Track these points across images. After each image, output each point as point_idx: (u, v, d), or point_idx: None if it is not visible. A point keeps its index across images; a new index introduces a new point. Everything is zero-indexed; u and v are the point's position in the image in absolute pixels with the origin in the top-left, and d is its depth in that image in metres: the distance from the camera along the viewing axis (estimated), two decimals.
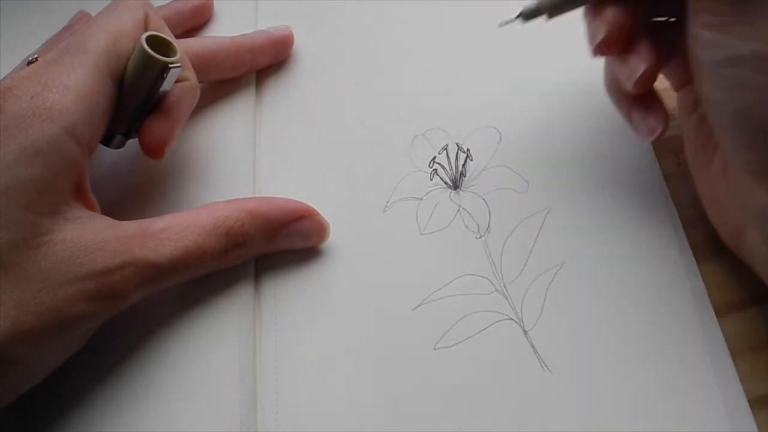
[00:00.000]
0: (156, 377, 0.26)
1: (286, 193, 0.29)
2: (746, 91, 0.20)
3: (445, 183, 0.30)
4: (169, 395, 0.25)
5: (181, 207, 0.29)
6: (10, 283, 0.22)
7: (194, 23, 0.35)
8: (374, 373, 0.26)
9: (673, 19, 0.25)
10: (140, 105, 0.27)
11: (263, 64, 0.34)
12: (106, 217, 0.25)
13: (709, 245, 0.28)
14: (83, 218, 0.24)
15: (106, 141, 0.27)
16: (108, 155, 0.30)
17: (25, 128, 0.23)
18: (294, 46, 0.34)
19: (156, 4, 0.30)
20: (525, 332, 0.26)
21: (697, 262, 0.27)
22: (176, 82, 0.28)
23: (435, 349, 0.26)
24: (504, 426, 0.24)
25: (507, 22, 0.25)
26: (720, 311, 0.26)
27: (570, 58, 0.33)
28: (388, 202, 0.30)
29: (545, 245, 0.28)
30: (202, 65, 0.30)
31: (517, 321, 0.26)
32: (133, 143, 0.28)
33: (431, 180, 0.30)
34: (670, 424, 0.24)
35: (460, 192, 0.30)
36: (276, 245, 0.28)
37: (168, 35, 0.27)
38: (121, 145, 0.28)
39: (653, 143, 0.30)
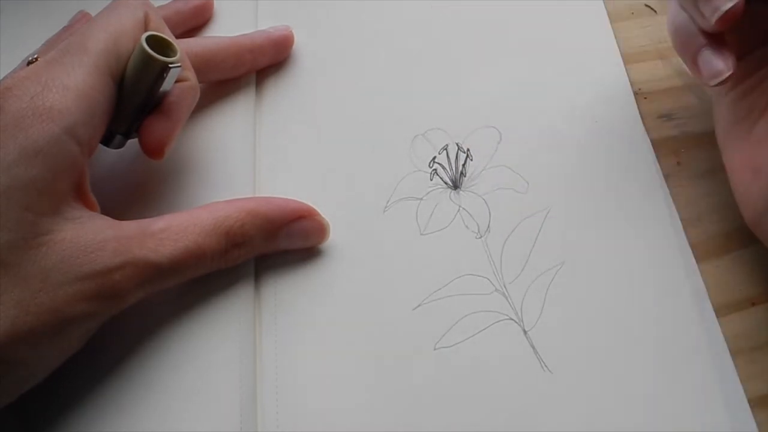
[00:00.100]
0: (156, 377, 0.26)
1: (286, 193, 0.29)
2: None
3: (445, 183, 0.30)
4: (169, 395, 0.25)
5: (181, 207, 0.29)
6: (10, 283, 0.22)
7: (194, 23, 0.35)
8: (374, 373, 0.26)
9: None
10: (140, 105, 0.27)
11: (263, 64, 0.33)
12: (106, 217, 0.25)
13: (709, 245, 0.28)
14: (83, 218, 0.24)
15: (106, 141, 0.27)
16: (108, 155, 0.30)
17: (25, 128, 0.23)
18: (294, 46, 0.34)
19: (156, 4, 0.30)
20: (525, 332, 0.26)
21: (697, 262, 0.27)
22: (176, 82, 0.28)
23: (435, 349, 0.26)
24: (504, 426, 0.24)
25: None
26: (720, 311, 0.26)
27: (570, 58, 0.33)
28: (388, 202, 0.30)
29: (545, 245, 0.28)
30: (202, 65, 0.30)
31: (517, 321, 0.26)
32: (133, 143, 0.28)
33: (431, 180, 0.30)
34: (670, 424, 0.24)
35: (460, 192, 0.30)
36: (276, 245, 0.28)
37: (168, 35, 0.27)
38: (121, 145, 0.28)
39: (655, 143, 0.30)
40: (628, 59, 0.33)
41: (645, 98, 0.31)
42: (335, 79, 0.33)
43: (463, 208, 0.29)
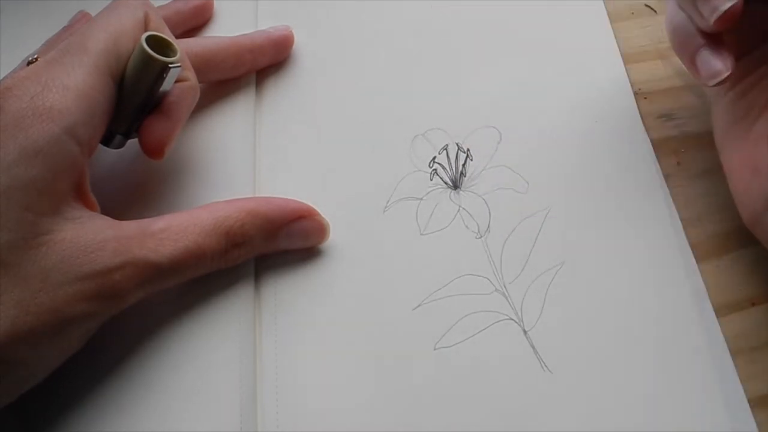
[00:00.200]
0: (156, 377, 0.26)
1: (286, 193, 0.29)
2: None
3: (445, 183, 0.30)
4: (169, 395, 0.25)
5: (181, 207, 0.29)
6: (10, 283, 0.22)
7: (194, 23, 0.35)
8: (374, 373, 0.26)
9: None
10: (140, 105, 0.27)
11: (263, 64, 0.33)
12: (106, 217, 0.25)
13: (709, 245, 0.28)
14: (83, 218, 0.24)
15: (106, 141, 0.27)
16: (108, 155, 0.30)
17: (25, 128, 0.23)
18: (294, 46, 0.34)
19: (156, 4, 0.30)
20: (525, 332, 0.26)
21: (697, 262, 0.27)
22: (176, 82, 0.28)
23: (435, 349, 0.26)
24: (504, 426, 0.24)
25: None
26: (720, 311, 0.26)
27: (570, 58, 0.33)
28: (388, 202, 0.30)
29: (545, 245, 0.28)
30: (202, 65, 0.30)
31: (517, 321, 0.26)
32: (133, 143, 0.28)
33: (431, 180, 0.30)
34: (670, 424, 0.24)
35: (460, 192, 0.30)
36: (276, 245, 0.28)
37: (168, 35, 0.27)
38: (121, 145, 0.28)
39: (655, 143, 0.30)
40: (628, 59, 0.33)
41: (645, 98, 0.31)
42: (335, 79, 0.33)
43: (463, 208, 0.29)
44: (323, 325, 0.27)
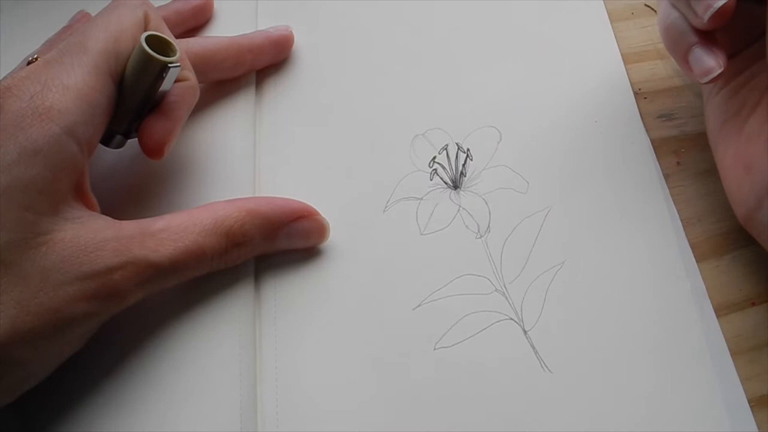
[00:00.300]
0: (156, 377, 0.26)
1: (286, 193, 0.29)
2: None
3: (445, 183, 0.30)
4: (169, 395, 0.25)
5: (181, 207, 0.29)
6: (10, 283, 0.22)
7: (194, 23, 0.35)
8: (374, 373, 0.26)
9: None
10: (140, 105, 0.27)
11: (263, 64, 0.33)
12: (106, 217, 0.25)
13: (709, 245, 0.28)
14: (83, 218, 0.24)
15: (106, 141, 0.27)
16: (108, 155, 0.30)
17: (24, 128, 0.23)
18: (294, 46, 0.34)
19: (156, 4, 0.30)
20: (525, 332, 0.26)
21: (697, 262, 0.27)
22: (176, 82, 0.28)
23: (435, 349, 0.26)
24: (504, 426, 0.24)
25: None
26: (720, 311, 0.26)
27: (570, 58, 0.33)
28: (388, 202, 0.30)
29: (545, 245, 0.28)
30: (201, 65, 0.30)
31: (517, 321, 0.26)
32: (133, 143, 0.28)
33: (431, 180, 0.30)
34: (670, 424, 0.24)
35: (460, 192, 0.30)
36: (276, 245, 0.28)
37: (168, 35, 0.27)
38: (121, 145, 0.28)
39: (655, 143, 0.30)
40: (628, 59, 0.33)
41: (645, 98, 0.31)
42: (335, 79, 0.33)
43: (463, 208, 0.29)
44: (323, 325, 0.27)
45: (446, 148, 0.31)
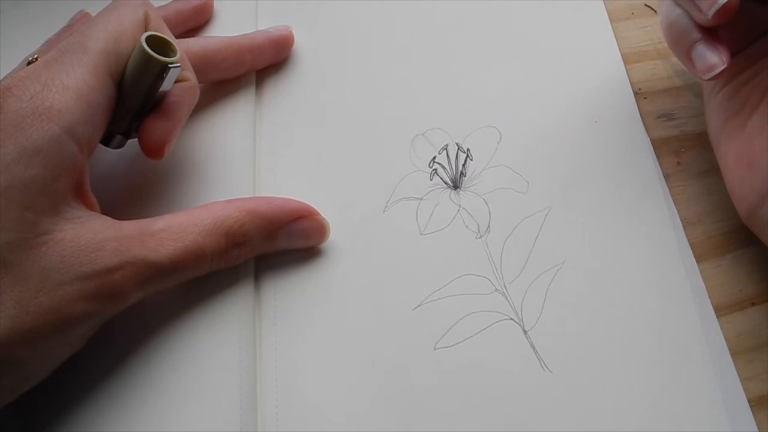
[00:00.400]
0: (156, 377, 0.26)
1: (286, 194, 0.29)
2: None
3: (445, 183, 0.30)
4: (169, 395, 0.25)
5: (181, 207, 0.29)
6: (10, 283, 0.22)
7: (194, 23, 0.35)
8: (374, 373, 0.26)
9: None
10: (140, 105, 0.27)
11: (263, 64, 0.33)
12: (106, 217, 0.25)
13: (709, 245, 0.28)
14: (83, 218, 0.24)
15: (106, 141, 0.27)
16: (108, 155, 0.30)
17: (24, 128, 0.23)
18: (294, 46, 0.34)
19: (156, 4, 0.30)
20: (525, 332, 0.26)
21: (697, 262, 0.27)
22: (176, 82, 0.28)
23: (435, 349, 0.26)
24: (504, 426, 0.24)
25: None
26: (720, 311, 0.26)
27: (570, 58, 0.33)
28: (388, 202, 0.30)
29: (545, 245, 0.28)
30: (202, 65, 0.30)
31: (517, 321, 0.26)
32: (133, 143, 0.28)
33: (431, 180, 0.30)
34: (670, 424, 0.24)
35: (460, 192, 0.30)
36: (276, 245, 0.28)
37: (168, 35, 0.27)
38: (121, 145, 0.28)
39: (655, 143, 0.30)
40: (628, 59, 0.33)
41: (645, 98, 0.31)
42: (335, 79, 0.33)
43: (463, 208, 0.29)
44: (323, 326, 0.27)
45: (446, 148, 0.31)
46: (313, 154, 0.31)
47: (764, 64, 0.26)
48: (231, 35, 0.33)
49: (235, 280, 0.27)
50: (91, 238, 0.23)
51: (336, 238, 0.29)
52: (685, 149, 0.30)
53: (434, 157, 0.30)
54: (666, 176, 0.29)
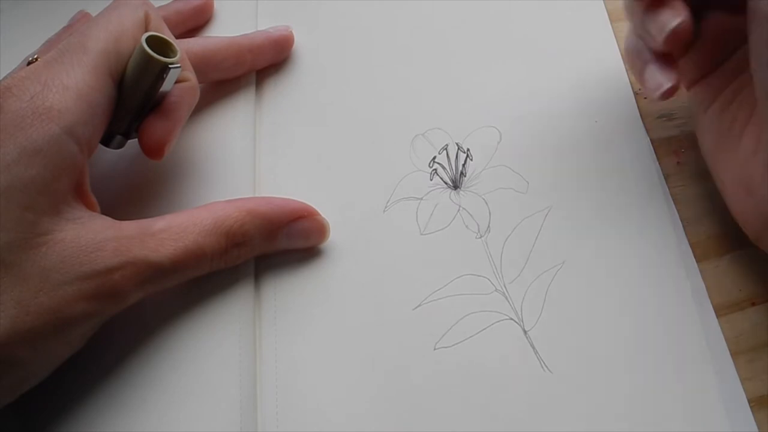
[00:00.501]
0: (156, 377, 0.26)
1: (286, 194, 0.29)
2: None
3: (445, 183, 0.30)
4: (169, 395, 0.25)
5: (181, 207, 0.29)
6: (10, 283, 0.22)
7: (194, 23, 0.35)
8: (374, 373, 0.26)
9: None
10: (140, 105, 0.27)
11: (263, 64, 0.33)
12: (106, 217, 0.25)
13: (709, 245, 0.28)
14: (83, 218, 0.24)
15: (106, 141, 0.27)
16: (108, 155, 0.30)
17: (24, 128, 0.23)
18: (294, 46, 0.34)
19: (156, 4, 0.30)
20: (525, 332, 0.26)
21: (697, 262, 0.27)
22: (176, 82, 0.28)
23: (435, 349, 0.26)
24: (504, 426, 0.24)
25: None
26: (720, 311, 0.26)
27: (570, 58, 0.33)
28: (388, 202, 0.30)
29: (545, 245, 0.28)
30: (202, 65, 0.30)
31: (517, 321, 0.26)
32: (133, 143, 0.28)
33: (431, 180, 0.30)
34: (670, 424, 0.24)
35: (460, 192, 0.30)
36: (276, 245, 0.28)
37: (168, 35, 0.27)
38: (121, 145, 0.28)
39: (655, 143, 0.30)
40: None
41: (645, 98, 0.31)
42: (335, 79, 0.33)
43: (463, 208, 0.29)
44: (323, 325, 0.27)
45: (446, 148, 0.31)
46: (313, 154, 0.31)
47: (746, 80, 0.25)
48: (231, 35, 0.33)
49: (235, 280, 0.27)
50: (92, 238, 0.23)
51: (336, 238, 0.29)
52: (685, 149, 0.30)
53: (434, 157, 0.30)
54: (666, 176, 0.29)
